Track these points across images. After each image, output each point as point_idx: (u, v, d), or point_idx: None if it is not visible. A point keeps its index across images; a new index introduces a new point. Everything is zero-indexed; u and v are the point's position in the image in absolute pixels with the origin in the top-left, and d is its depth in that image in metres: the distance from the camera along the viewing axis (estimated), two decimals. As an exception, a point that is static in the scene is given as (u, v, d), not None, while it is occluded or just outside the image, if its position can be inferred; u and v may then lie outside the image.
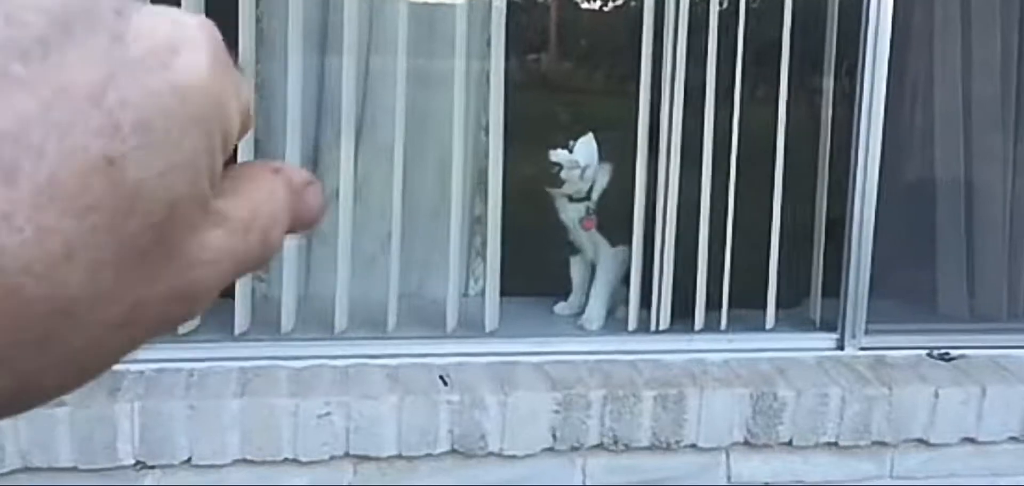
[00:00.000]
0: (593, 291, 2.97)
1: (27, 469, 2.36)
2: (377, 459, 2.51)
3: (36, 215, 0.19)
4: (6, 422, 2.33)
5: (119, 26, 0.20)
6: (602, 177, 2.90)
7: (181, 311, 0.23)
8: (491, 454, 2.55)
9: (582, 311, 2.97)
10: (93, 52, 0.20)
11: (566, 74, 5.61)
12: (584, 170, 2.85)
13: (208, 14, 0.23)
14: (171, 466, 2.43)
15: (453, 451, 2.54)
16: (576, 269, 3.05)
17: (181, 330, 2.60)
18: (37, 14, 0.19)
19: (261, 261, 0.25)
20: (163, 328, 0.23)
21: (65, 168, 0.19)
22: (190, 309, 0.24)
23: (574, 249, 3.02)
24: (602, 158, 2.89)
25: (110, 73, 0.20)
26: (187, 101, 0.21)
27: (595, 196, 2.91)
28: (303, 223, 0.27)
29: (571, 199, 2.91)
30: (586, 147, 2.85)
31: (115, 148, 0.20)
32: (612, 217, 2.93)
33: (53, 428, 2.35)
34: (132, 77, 0.20)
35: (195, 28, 0.22)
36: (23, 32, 0.19)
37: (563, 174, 2.84)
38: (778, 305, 2.98)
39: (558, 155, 2.84)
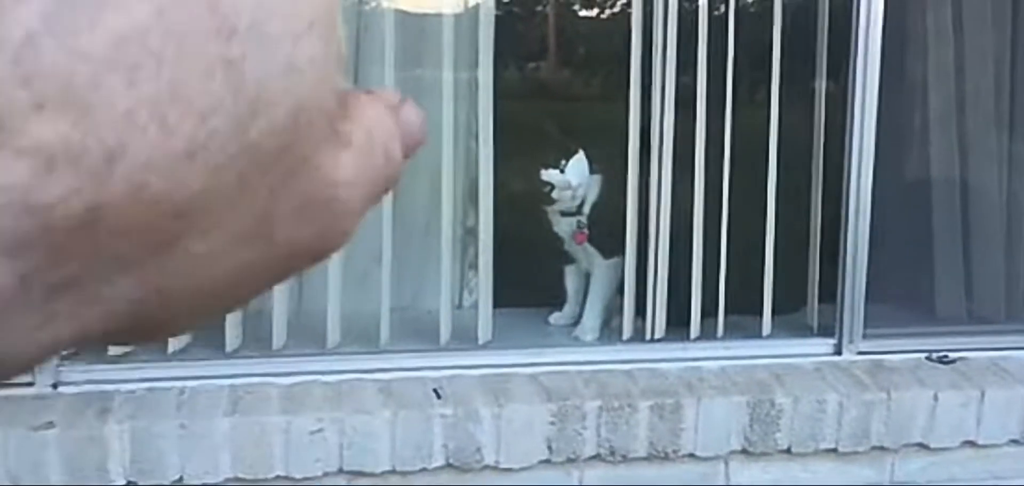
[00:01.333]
0: (588, 303, 2.94)
1: (16, 492, 2.33)
2: (371, 475, 2.49)
3: (158, 114, 0.19)
4: (-6, 444, 2.31)
5: None
6: (593, 190, 2.89)
7: (315, 231, 0.23)
8: (487, 467, 2.53)
9: (577, 321, 2.95)
10: None
11: (558, 83, 5.59)
12: (576, 189, 2.83)
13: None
14: (162, 486, 2.40)
15: (448, 465, 2.51)
16: (570, 279, 3.02)
17: (171, 348, 2.59)
18: None
19: (390, 182, 0.25)
20: (296, 253, 0.23)
21: (184, 70, 0.19)
22: (325, 231, 0.23)
23: (568, 259, 3.00)
24: (593, 170, 2.87)
25: None
26: (302, 5, 0.21)
27: (586, 209, 2.89)
28: (408, 142, 0.26)
29: (563, 214, 2.89)
30: (578, 165, 2.84)
31: (232, 50, 0.20)
32: (606, 228, 2.91)
33: (43, 449, 2.33)
34: None
35: None
36: None
37: (555, 194, 2.82)
38: (774, 311, 2.95)
39: (550, 175, 2.82)
